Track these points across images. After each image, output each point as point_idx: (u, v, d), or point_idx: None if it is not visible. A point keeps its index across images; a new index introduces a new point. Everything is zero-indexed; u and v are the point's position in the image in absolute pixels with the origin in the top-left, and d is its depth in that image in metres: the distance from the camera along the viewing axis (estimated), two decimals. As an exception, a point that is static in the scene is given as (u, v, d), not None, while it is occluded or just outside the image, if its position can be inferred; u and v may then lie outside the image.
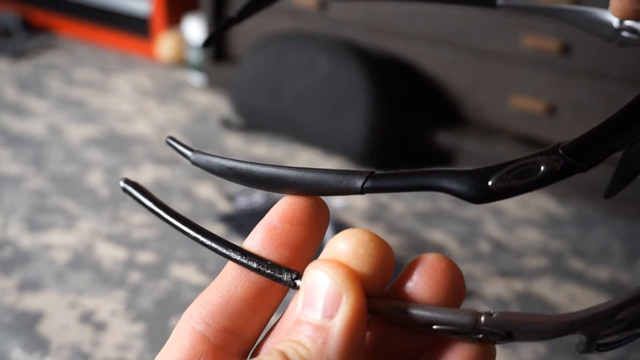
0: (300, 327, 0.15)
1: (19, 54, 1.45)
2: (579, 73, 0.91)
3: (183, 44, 1.39)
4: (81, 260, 0.69)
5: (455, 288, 0.16)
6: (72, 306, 0.62)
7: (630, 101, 0.17)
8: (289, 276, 0.17)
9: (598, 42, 0.87)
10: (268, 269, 0.17)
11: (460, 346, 0.16)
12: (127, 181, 0.19)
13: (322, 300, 0.15)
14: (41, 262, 0.68)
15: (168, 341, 0.18)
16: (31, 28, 1.64)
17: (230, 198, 0.86)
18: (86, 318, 0.61)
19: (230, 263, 0.18)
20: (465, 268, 0.73)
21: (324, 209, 0.18)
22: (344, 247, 0.16)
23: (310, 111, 1.01)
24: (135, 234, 0.75)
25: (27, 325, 0.59)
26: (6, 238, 0.73)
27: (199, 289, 0.66)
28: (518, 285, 0.71)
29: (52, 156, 0.96)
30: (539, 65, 0.94)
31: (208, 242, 0.18)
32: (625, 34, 0.22)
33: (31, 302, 0.62)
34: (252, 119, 1.10)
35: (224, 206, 0.84)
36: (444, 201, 0.91)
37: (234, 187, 0.90)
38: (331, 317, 0.15)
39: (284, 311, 0.18)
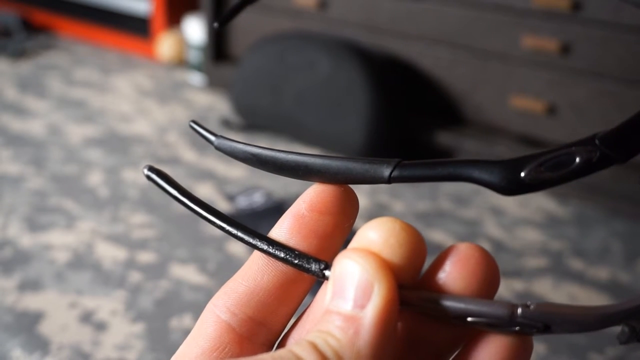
0: (330, 317, 0.15)
1: (19, 54, 1.45)
2: (579, 73, 0.91)
3: (183, 44, 1.39)
4: (81, 260, 0.69)
5: (490, 278, 0.16)
6: (72, 306, 0.62)
7: None
8: (318, 266, 0.16)
9: (598, 42, 0.87)
10: (296, 259, 0.17)
11: (495, 338, 0.16)
12: (151, 169, 0.19)
13: (352, 290, 0.15)
14: (41, 262, 0.68)
15: (192, 331, 0.18)
16: (31, 28, 1.64)
17: (230, 198, 0.86)
18: (86, 318, 0.61)
19: (256, 252, 0.18)
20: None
21: (352, 198, 0.17)
22: (375, 236, 0.15)
23: (311, 111, 1.01)
24: (135, 234, 0.75)
25: (27, 325, 0.59)
26: (6, 238, 0.73)
27: (199, 289, 0.66)
28: (518, 285, 0.71)
29: (52, 156, 0.96)
30: (539, 65, 0.94)
31: (234, 231, 0.18)
32: None
33: (31, 302, 0.62)
34: (252, 119, 1.10)
35: (224, 206, 0.84)
36: (444, 201, 0.91)
37: (234, 187, 0.90)
38: (362, 307, 0.15)
39: (311, 302, 0.18)
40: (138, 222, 0.78)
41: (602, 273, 0.75)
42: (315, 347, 0.14)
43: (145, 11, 1.46)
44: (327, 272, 0.16)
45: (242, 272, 0.18)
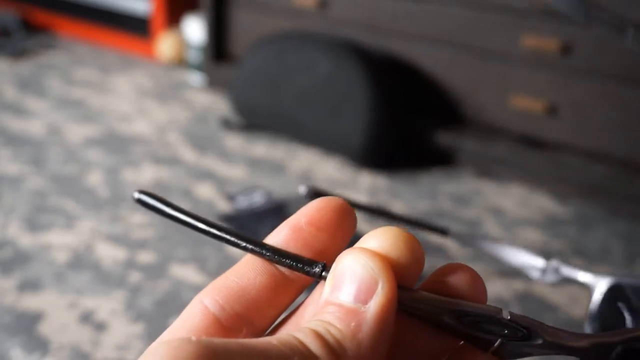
0: (331, 308, 0.15)
1: (18, 54, 1.45)
2: (579, 73, 0.91)
3: (183, 44, 1.39)
4: (81, 260, 0.69)
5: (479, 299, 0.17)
6: (72, 306, 0.62)
7: None
8: (318, 268, 0.17)
9: (598, 42, 0.87)
10: (299, 263, 0.17)
11: (473, 355, 0.17)
12: (141, 192, 0.20)
13: (355, 285, 0.15)
14: (41, 262, 0.68)
15: (178, 319, 0.18)
16: (31, 28, 1.64)
17: (230, 198, 0.86)
18: (86, 318, 0.60)
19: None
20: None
21: (352, 218, 0.18)
22: (383, 239, 0.16)
23: (310, 111, 1.01)
24: (135, 234, 0.75)
25: (27, 325, 0.59)
26: (6, 238, 0.73)
27: (198, 289, 0.66)
28: (518, 285, 0.71)
29: (52, 156, 0.95)
30: (539, 65, 0.94)
31: (243, 244, 0.18)
32: None
33: (31, 302, 0.62)
34: (252, 119, 1.10)
35: (224, 206, 0.84)
36: (444, 201, 0.91)
37: (234, 187, 0.90)
38: (365, 302, 0.15)
39: (297, 307, 0.18)
40: (138, 222, 0.78)
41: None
42: (318, 335, 0.15)
43: (145, 11, 1.46)
44: (324, 274, 0.17)
45: (235, 270, 0.18)
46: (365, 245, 0.16)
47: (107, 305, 0.63)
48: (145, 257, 0.71)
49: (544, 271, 0.46)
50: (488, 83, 0.99)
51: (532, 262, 0.47)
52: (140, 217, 0.79)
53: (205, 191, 0.88)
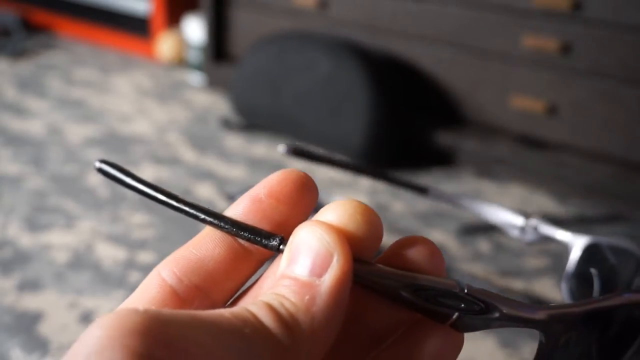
0: (286, 282, 0.15)
1: (18, 54, 1.45)
2: (579, 73, 0.91)
3: (183, 44, 1.39)
4: (81, 260, 0.69)
5: (437, 272, 0.17)
6: (72, 306, 0.62)
7: None
8: (275, 241, 0.17)
9: (598, 41, 0.87)
10: (257, 236, 0.17)
11: (430, 328, 0.17)
12: (102, 161, 0.20)
13: (310, 259, 0.15)
14: (41, 262, 0.68)
15: (135, 292, 0.18)
16: (31, 28, 1.64)
17: (230, 198, 0.86)
18: (86, 318, 0.61)
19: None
20: (465, 268, 0.73)
21: (313, 191, 0.18)
22: (340, 212, 0.16)
23: (310, 111, 1.01)
24: (135, 234, 0.75)
25: (26, 325, 0.59)
26: (6, 238, 0.73)
27: (199, 289, 0.66)
28: (518, 285, 0.71)
29: (52, 156, 0.95)
30: (539, 65, 0.94)
31: (202, 216, 0.18)
32: None
33: (31, 302, 0.62)
34: (252, 119, 1.10)
35: (224, 206, 0.84)
36: (444, 201, 0.91)
37: (234, 186, 0.90)
38: (319, 276, 0.15)
39: (255, 281, 0.18)
40: (138, 222, 0.78)
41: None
42: (271, 308, 0.15)
43: (145, 11, 1.46)
44: (282, 247, 0.17)
45: (195, 242, 0.18)
46: (322, 218, 0.16)
47: (107, 305, 0.63)
48: (145, 257, 0.71)
49: (522, 229, 0.46)
50: (488, 83, 0.99)
51: (511, 220, 0.46)
52: (140, 217, 0.79)
53: (205, 191, 0.88)
